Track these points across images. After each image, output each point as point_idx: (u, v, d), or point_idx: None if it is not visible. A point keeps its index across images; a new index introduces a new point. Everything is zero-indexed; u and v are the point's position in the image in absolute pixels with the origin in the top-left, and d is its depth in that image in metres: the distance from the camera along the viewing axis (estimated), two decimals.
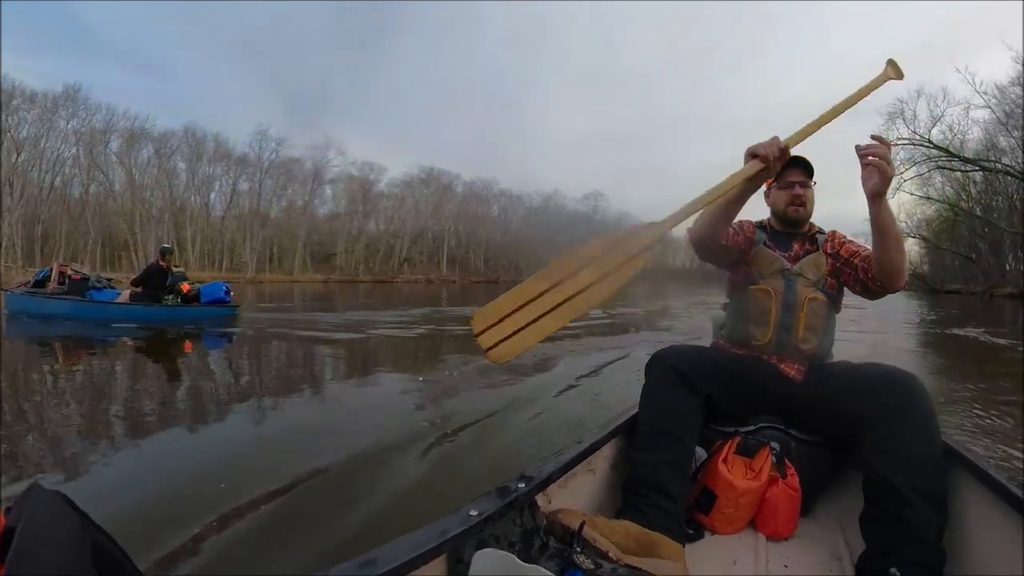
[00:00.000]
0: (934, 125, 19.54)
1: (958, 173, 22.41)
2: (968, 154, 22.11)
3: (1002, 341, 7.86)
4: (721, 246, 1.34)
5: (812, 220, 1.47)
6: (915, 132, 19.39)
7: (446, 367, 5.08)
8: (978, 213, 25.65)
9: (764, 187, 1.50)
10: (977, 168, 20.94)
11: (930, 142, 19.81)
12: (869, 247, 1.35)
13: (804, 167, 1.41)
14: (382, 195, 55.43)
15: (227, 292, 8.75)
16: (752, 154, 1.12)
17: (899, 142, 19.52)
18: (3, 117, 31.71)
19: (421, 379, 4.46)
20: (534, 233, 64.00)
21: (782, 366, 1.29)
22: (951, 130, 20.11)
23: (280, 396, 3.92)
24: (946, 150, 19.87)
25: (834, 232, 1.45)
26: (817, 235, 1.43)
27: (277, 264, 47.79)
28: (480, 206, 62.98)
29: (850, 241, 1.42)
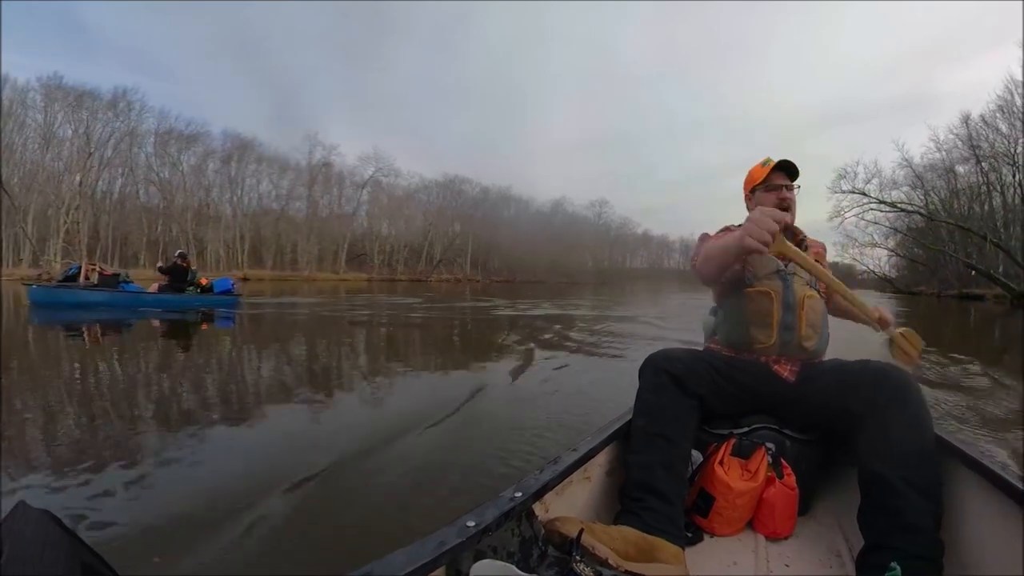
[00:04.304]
0: (869, 181, 28.81)
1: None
2: (934, 177, 33.30)
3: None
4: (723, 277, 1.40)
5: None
6: (854, 186, 29.14)
7: None
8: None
9: (744, 191, 1.52)
10: (898, 209, 30.30)
11: (864, 193, 29.07)
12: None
13: (789, 171, 1.42)
14: (409, 199, 58.58)
15: (233, 285, 11.09)
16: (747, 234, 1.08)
17: (844, 190, 29.04)
18: (4, 117, 32.15)
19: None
20: (544, 234, 65.49)
21: (775, 367, 1.29)
22: (886, 182, 30.38)
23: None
24: (876, 199, 29.38)
25: (819, 244, 1.51)
26: (803, 238, 1.45)
27: (317, 263, 49.84)
28: (494, 211, 65.82)
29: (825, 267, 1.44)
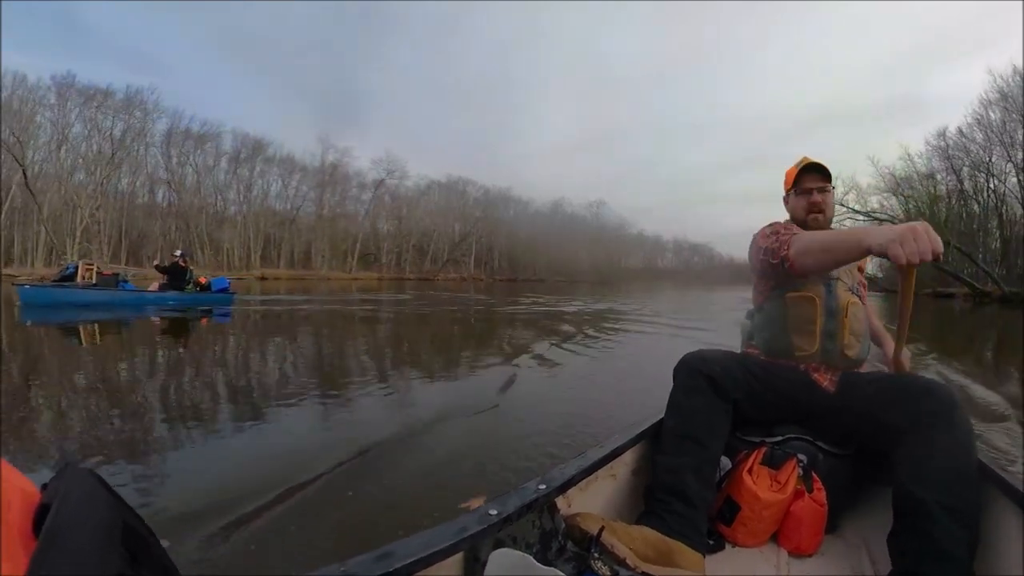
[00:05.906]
0: (846, 193, 31.55)
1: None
2: (915, 183, 37.11)
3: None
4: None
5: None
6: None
7: None
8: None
9: (783, 192, 1.46)
10: (873, 218, 32.03)
11: (842, 204, 30.72)
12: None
13: (821, 172, 1.37)
14: (417, 200, 60.27)
15: (229, 284, 12.00)
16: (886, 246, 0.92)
17: None
18: (3, 117, 31.73)
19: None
20: (544, 233, 66.70)
21: (815, 375, 1.24)
22: (867, 188, 33.85)
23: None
24: (852, 208, 32.41)
25: None
26: None
27: (326, 263, 50.93)
28: (495, 211, 67.63)
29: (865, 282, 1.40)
